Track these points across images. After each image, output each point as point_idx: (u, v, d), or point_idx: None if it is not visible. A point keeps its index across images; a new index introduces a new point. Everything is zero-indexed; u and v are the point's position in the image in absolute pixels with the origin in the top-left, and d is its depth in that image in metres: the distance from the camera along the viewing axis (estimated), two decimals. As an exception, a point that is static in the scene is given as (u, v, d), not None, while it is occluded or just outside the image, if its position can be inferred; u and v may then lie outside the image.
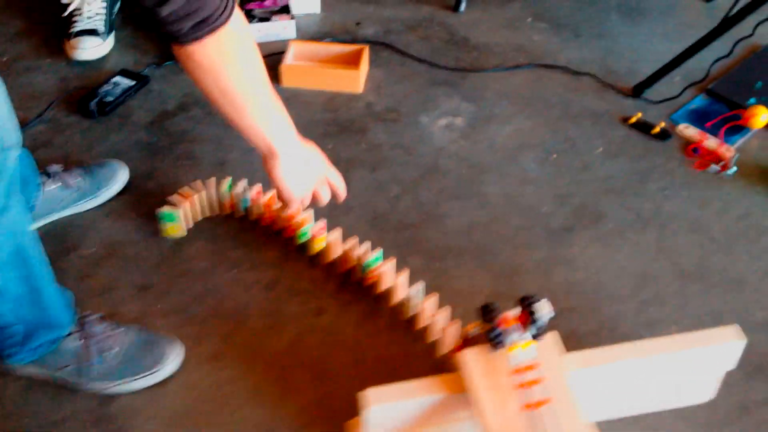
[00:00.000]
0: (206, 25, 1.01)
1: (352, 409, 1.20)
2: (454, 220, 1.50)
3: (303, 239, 1.44)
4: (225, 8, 1.02)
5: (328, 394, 1.23)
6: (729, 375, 1.18)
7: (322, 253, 1.43)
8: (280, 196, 1.27)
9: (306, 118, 1.71)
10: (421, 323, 1.31)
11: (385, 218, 1.50)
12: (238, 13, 1.05)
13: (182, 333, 1.30)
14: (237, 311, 1.35)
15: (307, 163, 1.26)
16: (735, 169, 1.58)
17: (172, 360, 1.25)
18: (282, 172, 1.21)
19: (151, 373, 1.23)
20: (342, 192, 1.33)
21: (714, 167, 1.59)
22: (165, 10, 0.97)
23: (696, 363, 1.14)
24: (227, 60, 1.06)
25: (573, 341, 1.29)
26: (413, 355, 1.29)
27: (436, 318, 1.27)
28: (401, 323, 1.33)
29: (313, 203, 1.31)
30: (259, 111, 1.14)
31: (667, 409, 1.20)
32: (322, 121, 1.73)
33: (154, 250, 1.45)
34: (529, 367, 1.05)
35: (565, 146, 1.66)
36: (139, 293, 1.38)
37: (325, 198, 1.31)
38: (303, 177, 1.26)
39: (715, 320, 1.32)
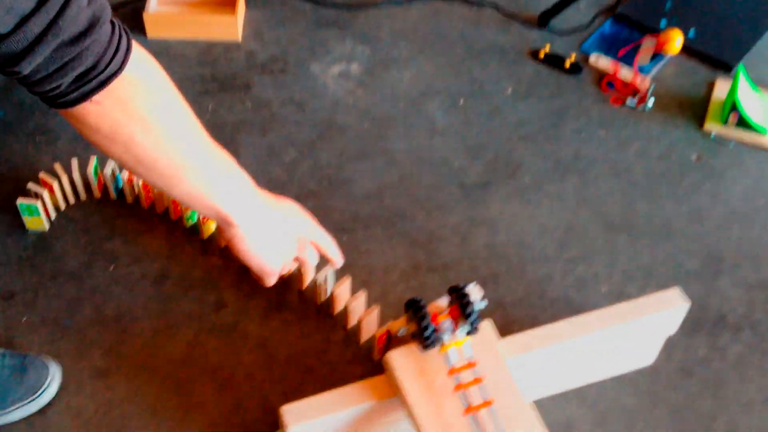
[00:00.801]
0: (92, 78, 0.75)
1: (268, 417, 1.07)
2: (359, 185, 1.35)
3: (193, 221, 1.26)
4: (116, 51, 0.76)
5: (237, 403, 1.09)
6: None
7: (216, 236, 1.25)
8: (251, 272, 1.03)
9: (179, 74, 1.48)
10: (335, 310, 1.17)
11: (283, 188, 1.32)
12: (138, 52, 0.80)
13: (58, 349, 1.12)
14: (121, 315, 1.17)
15: (283, 227, 1.00)
16: (652, 99, 1.48)
17: (50, 384, 1.07)
18: (246, 245, 0.96)
19: (27, 403, 1.05)
20: (335, 258, 1.08)
21: (631, 101, 1.49)
22: (26, 67, 0.71)
23: (638, 332, 1.06)
24: (134, 119, 0.80)
25: (501, 312, 1.19)
26: (329, 347, 1.15)
27: (352, 305, 1.13)
28: (313, 311, 1.19)
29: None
30: (196, 175, 0.88)
31: (608, 377, 1.12)
32: (198, 77, 1.51)
33: (13, 250, 1.23)
34: (467, 366, 0.93)
35: (473, 89, 1.52)
36: (1, 304, 1.17)
37: (311, 261, 1.07)
38: (277, 245, 1.00)
39: (646, 274, 1.25)
